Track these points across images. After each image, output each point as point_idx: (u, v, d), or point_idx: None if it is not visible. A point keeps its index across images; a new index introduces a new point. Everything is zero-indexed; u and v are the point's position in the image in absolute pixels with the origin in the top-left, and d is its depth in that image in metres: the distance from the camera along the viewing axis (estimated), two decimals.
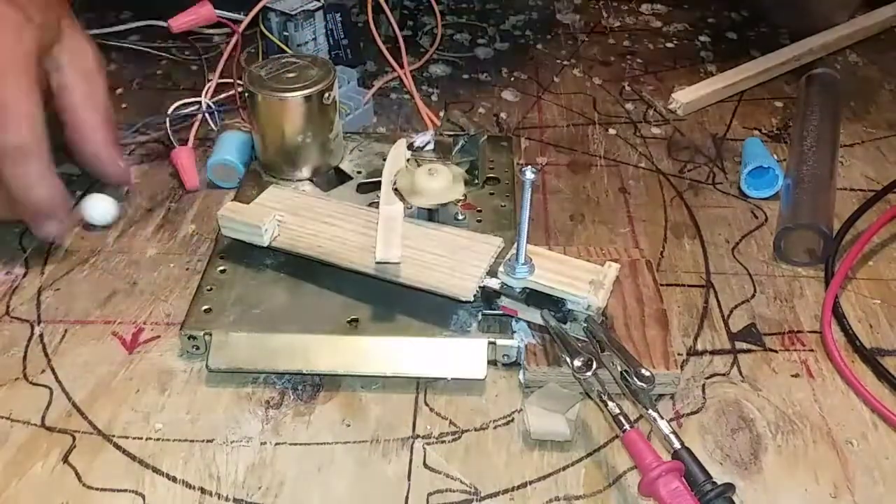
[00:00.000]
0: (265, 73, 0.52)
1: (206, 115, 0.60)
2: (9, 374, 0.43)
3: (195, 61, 0.70)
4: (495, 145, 0.57)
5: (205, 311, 0.44)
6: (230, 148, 0.55)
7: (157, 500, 0.37)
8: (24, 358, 0.44)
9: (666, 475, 0.34)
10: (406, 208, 0.47)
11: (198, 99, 0.61)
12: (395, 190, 0.47)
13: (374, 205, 0.49)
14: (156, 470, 0.38)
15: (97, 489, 0.38)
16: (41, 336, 0.45)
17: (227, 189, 0.56)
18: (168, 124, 0.59)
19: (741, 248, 0.52)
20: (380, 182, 0.49)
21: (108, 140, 0.51)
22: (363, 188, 0.53)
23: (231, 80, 0.62)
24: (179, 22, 0.60)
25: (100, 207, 0.53)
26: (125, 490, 0.38)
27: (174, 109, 0.60)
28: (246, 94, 0.52)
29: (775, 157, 0.58)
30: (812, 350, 0.45)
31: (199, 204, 0.55)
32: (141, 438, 0.40)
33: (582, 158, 0.60)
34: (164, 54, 0.71)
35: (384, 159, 0.51)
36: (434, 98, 0.67)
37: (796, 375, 0.44)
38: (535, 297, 0.42)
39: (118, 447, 0.39)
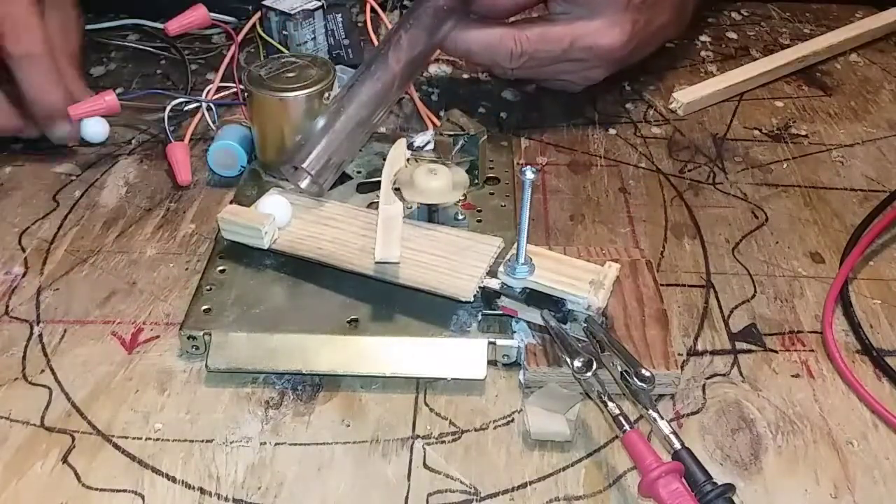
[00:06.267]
0: (265, 72, 0.52)
1: (206, 113, 0.60)
2: (8, 374, 0.43)
3: (194, 61, 0.70)
4: (495, 145, 0.57)
5: (204, 311, 0.44)
6: (232, 135, 0.55)
7: (156, 500, 0.37)
8: (24, 358, 0.44)
9: (666, 476, 0.34)
10: (406, 208, 0.47)
11: (197, 98, 0.61)
12: (395, 190, 0.47)
13: (374, 205, 0.49)
14: (155, 470, 0.38)
15: (96, 489, 0.38)
16: (40, 336, 0.45)
17: (226, 177, 0.56)
18: (167, 123, 0.59)
19: (741, 248, 0.52)
20: (380, 182, 0.49)
21: (65, 97, 0.55)
22: (363, 188, 0.53)
23: (230, 84, 0.62)
24: (175, 26, 0.60)
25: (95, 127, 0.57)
26: (124, 490, 0.37)
27: (173, 108, 0.60)
28: (245, 94, 0.52)
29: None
30: (812, 350, 0.45)
31: (198, 203, 0.55)
32: (140, 438, 0.40)
33: (582, 158, 0.60)
34: (163, 53, 0.71)
35: (384, 159, 0.51)
36: (434, 98, 0.67)
37: (797, 376, 0.44)
38: (535, 298, 0.42)
39: (117, 447, 0.39)
